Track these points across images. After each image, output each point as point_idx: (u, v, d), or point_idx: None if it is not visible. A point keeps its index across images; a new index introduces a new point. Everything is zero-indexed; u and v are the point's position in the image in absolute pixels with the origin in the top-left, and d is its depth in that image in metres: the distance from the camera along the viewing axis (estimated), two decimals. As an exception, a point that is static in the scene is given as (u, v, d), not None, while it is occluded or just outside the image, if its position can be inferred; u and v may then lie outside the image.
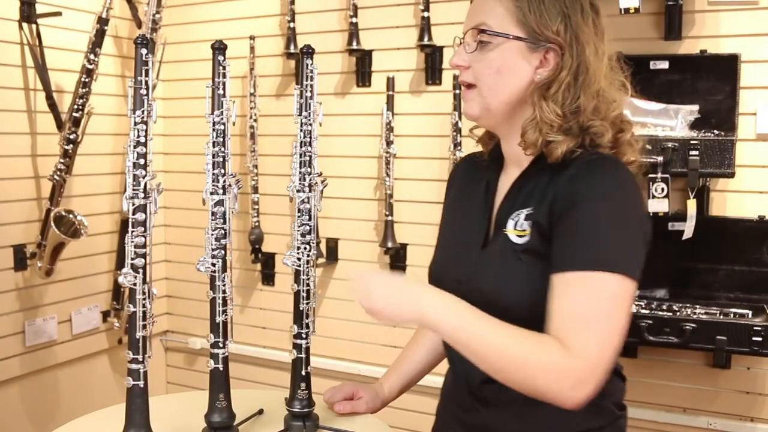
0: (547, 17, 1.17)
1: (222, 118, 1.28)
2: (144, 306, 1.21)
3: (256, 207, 2.72)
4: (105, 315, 2.73)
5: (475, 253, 1.25)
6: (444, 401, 1.42)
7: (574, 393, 1.04)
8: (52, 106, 2.37)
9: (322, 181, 1.39)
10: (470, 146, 2.06)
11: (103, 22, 2.35)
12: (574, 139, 1.18)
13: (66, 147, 2.35)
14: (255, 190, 2.71)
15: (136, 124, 1.20)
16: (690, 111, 2.01)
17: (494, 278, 1.20)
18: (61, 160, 2.35)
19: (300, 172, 1.36)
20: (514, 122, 1.23)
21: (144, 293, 1.21)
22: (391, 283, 1.17)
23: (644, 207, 1.20)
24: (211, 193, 1.29)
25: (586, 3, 1.21)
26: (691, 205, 1.94)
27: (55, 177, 2.35)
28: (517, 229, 1.19)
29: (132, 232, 1.20)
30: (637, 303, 2.03)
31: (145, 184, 1.21)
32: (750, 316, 1.91)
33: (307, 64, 1.36)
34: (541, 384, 1.05)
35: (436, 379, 1.47)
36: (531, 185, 1.22)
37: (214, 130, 1.28)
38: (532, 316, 1.11)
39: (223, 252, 1.29)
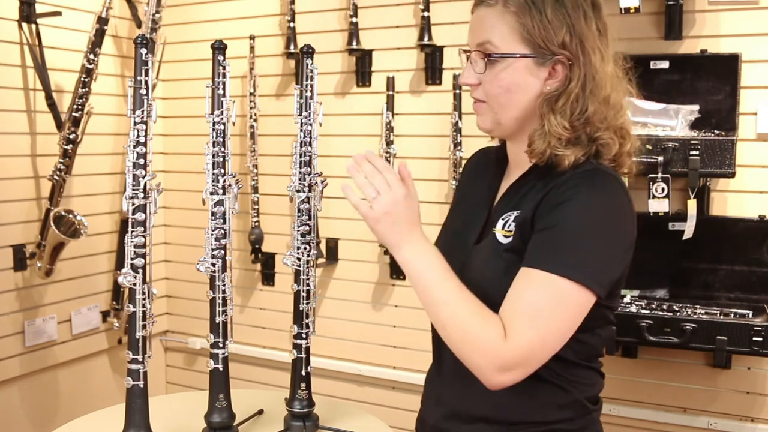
0: (551, 30, 1.16)
1: (222, 118, 1.28)
2: (144, 306, 1.22)
3: (256, 207, 2.72)
4: (105, 315, 2.73)
5: (469, 247, 1.29)
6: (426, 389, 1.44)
7: (498, 375, 1.10)
8: (52, 106, 2.37)
9: (322, 181, 1.39)
10: (470, 146, 2.06)
11: (102, 21, 2.35)
12: (583, 149, 1.19)
13: (66, 147, 2.35)
14: (255, 190, 2.71)
15: (135, 124, 1.20)
16: (690, 111, 2.01)
17: (479, 273, 1.24)
18: (61, 160, 2.35)
19: (300, 172, 1.37)
20: (524, 130, 1.23)
21: (144, 293, 1.22)
22: (401, 200, 1.17)
23: (630, 223, 1.19)
24: (211, 193, 1.29)
25: (588, 6, 1.20)
26: (692, 205, 1.94)
27: (55, 177, 2.35)
28: (505, 229, 1.22)
29: (132, 232, 1.21)
30: (637, 303, 2.03)
31: (145, 184, 1.21)
32: (750, 316, 1.91)
33: (307, 64, 1.36)
34: (471, 356, 1.12)
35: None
36: (526, 189, 1.24)
37: (214, 130, 1.28)
38: None
39: (223, 252, 1.29)
